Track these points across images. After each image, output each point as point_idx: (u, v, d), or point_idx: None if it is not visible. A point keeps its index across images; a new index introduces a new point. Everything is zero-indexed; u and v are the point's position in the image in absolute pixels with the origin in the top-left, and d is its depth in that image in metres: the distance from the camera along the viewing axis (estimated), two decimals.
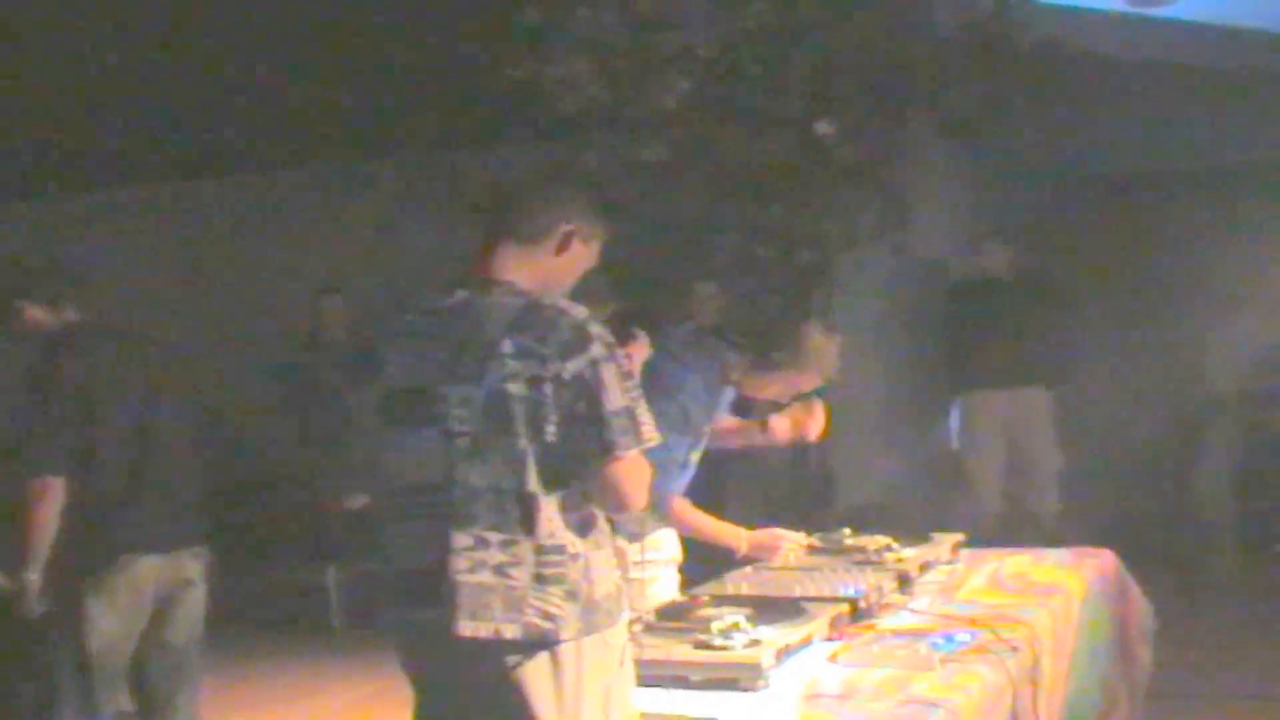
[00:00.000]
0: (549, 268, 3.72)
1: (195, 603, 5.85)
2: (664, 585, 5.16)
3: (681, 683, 3.93)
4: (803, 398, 5.39)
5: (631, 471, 3.52)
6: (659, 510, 5.01)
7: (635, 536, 5.00)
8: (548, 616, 3.47)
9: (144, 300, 12.65)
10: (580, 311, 3.53)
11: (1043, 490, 9.54)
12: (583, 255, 3.80)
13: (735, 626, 4.05)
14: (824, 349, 5.09)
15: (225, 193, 12.64)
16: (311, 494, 9.90)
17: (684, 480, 5.17)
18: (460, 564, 3.47)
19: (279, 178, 12.40)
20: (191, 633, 5.85)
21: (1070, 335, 9.56)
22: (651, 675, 3.89)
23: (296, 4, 11.28)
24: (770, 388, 5.16)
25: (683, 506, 5.21)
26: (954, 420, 9.83)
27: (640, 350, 4.26)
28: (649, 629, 4.19)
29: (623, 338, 3.87)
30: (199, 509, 5.84)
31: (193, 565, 5.79)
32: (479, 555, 3.47)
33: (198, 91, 11.85)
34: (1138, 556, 5.90)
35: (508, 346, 3.46)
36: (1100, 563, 5.49)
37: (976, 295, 9.64)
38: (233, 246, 12.50)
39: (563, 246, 3.73)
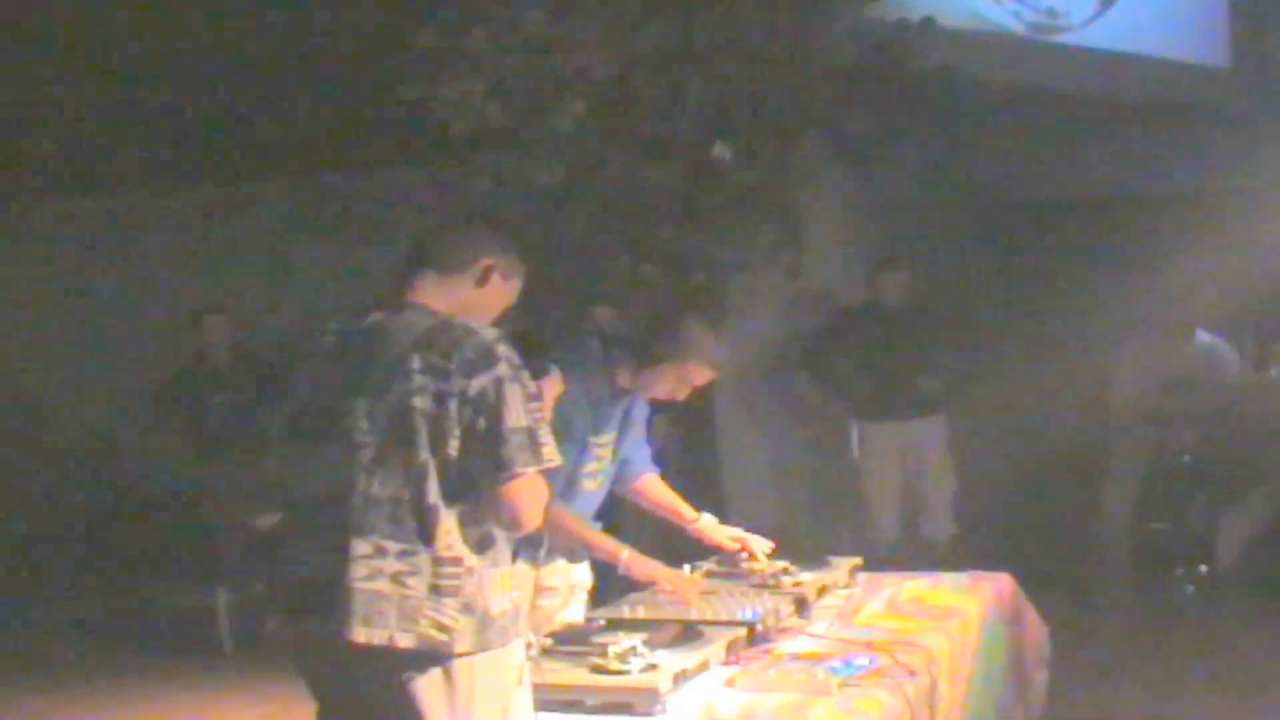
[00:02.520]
0: (468, 299, 3.81)
1: None
2: (572, 611, 5.10)
3: (578, 707, 3.92)
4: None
5: (527, 490, 3.57)
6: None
7: (539, 561, 4.93)
8: (442, 628, 3.51)
9: (27, 319, 12.53)
10: (489, 332, 3.63)
11: (938, 517, 9.50)
12: (502, 291, 3.91)
13: (632, 651, 4.01)
14: (704, 337, 4.99)
15: (112, 213, 12.48)
16: (200, 514, 9.76)
17: (585, 502, 5.10)
18: (358, 571, 3.51)
19: (166, 198, 12.27)
20: None
21: (962, 362, 9.51)
22: (547, 699, 3.86)
23: (184, 23, 11.17)
24: (661, 384, 5.06)
25: (557, 512, 5.09)
26: (855, 443, 9.78)
27: (553, 386, 4.23)
28: (546, 652, 4.14)
29: (537, 372, 3.87)
30: None
31: None
32: (377, 564, 3.52)
33: (84, 110, 11.72)
34: (1038, 580, 5.91)
35: (415, 362, 3.54)
36: (997, 586, 5.50)
37: (865, 323, 9.51)
38: (120, 267, 12.34)
39: (483, 280, 3.84)
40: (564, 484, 4.80)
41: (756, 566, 5.34)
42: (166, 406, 9.89)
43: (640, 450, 5.48)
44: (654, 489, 5.55)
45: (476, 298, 3.83)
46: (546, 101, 8.90)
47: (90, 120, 11.71)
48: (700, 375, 5.06)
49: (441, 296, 3.76)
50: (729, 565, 5.44)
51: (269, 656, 8.52)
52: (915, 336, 9.36)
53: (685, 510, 5.55)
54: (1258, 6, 11.47)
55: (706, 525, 5.52)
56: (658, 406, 5.72)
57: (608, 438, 5.14)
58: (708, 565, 5.45)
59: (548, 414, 3.95)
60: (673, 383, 5.05)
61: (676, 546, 5.68)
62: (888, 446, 9.53)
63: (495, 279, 3.86)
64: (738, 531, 5.52)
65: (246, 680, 8.54)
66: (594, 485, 5.13)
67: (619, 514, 5.94)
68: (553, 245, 8.94)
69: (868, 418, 9.60)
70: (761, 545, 5.46)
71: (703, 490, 6.35)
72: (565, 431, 4.79)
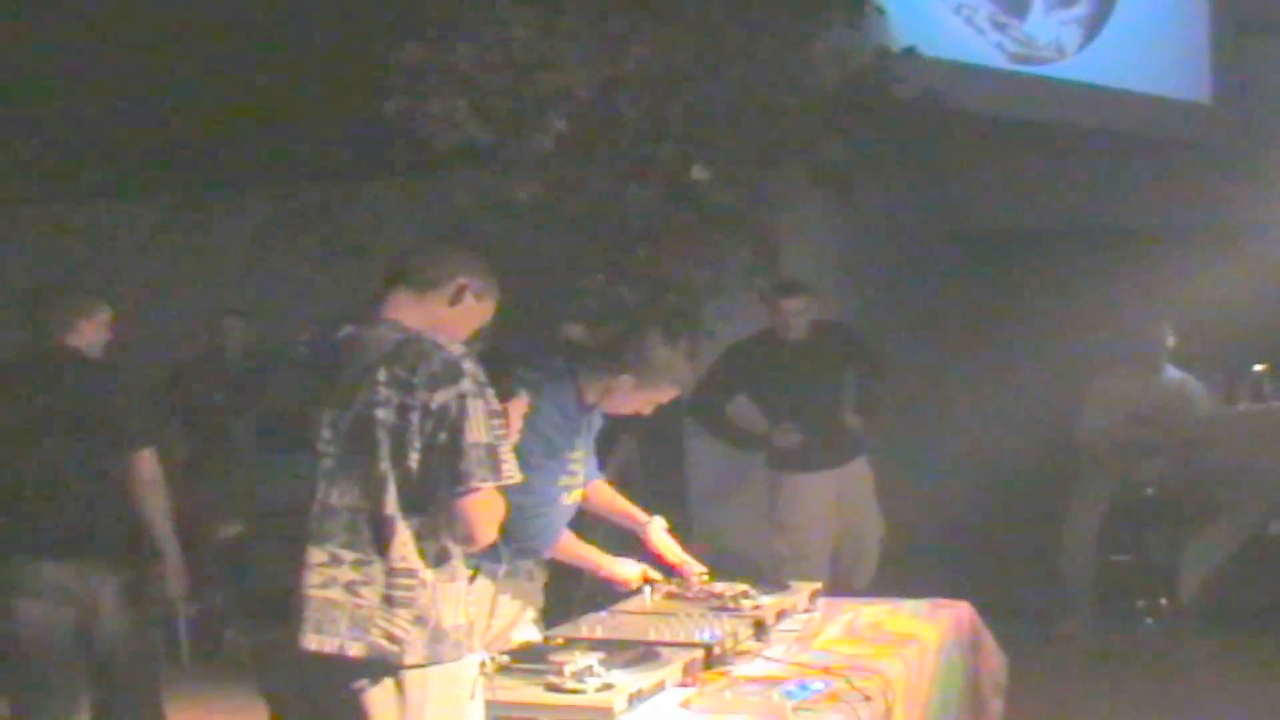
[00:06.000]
0: (440, 317, 3.86)
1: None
2: (522, 630, 5.13)
3: None
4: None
5: (483, 506, 3.62)
6: (545, 547, 5.13)
7: (498, 578, 4.97)
8: (393, 639, 3.55)
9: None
10: (456, 348, 3.67)
11: (858, 570, 8.40)
12: (475, 311, 3.97)
13: (588, 670, 4.04)
14: (668, 357, 5.10)
15: (95, 218, 12.46)
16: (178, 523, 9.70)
17: (564, 515, 5.19)
18: (313, 579, 3.55)
19: (147, 205, 12.25)
20: None
21: (878, 393, 8.65)
22: (502, 716, 3.88)
23: (171, 31, 11.18)
24: (630, 402, 5.14)
25: (566, 538, 5.27)
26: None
27: (519, 407, 4.26)
28: (502, 670, 4.16)
29: (504, 394, 3.92)
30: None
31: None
32: (331, 572, 3.56)
33: (69, 116, 11.71)
34: (998, 609, 5.94)
35: (382, 375, 3.59)
36: (956, 614, 5.53)
37: (761, 360, 8.49)
38: (104, 272, 12.31)
39: (456, 299, 3.90)
40: (549, 501, 4.89)
41: (716, 589, 5.37)
42: (167, 397, 9.67)
43: (591, 460, 5.56)
44: (602, 494, 5.67)
45: (449, 316, 3.88)
46: (529, 119, 8.93)
47: (67, 127, 11.70)
48: (667, 394, 5.15)
49: (415, 313, 3.81)
50: (688, 587, 5.47)
51: (227, 668, 8.54)
52: (823, 369, 8.40)
53: (638, 514, 5.68)
54: (1239, 43, 11.58)
55: (654, 530, 5.63)
56: (624, 424, 5.81)
57: (580, 452, 5.22)
58: (669, 587, 5.48)
59: (513, 434, 3.99)
60: (640, 401, 5.13)
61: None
62: (818, 499, 8.34)
63: (469, 299, 3.92)
64: (678, 551, 5.60)
65: (203, 691, 8.49)
66: (570, 499, 5.22)
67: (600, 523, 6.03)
68: (530, 263, 8.96)
69: (790, 468, 8.35)
70: (695, 570, 5.52)
71: (668, 509, 6.36)
72: (549, 451, 4.88)
